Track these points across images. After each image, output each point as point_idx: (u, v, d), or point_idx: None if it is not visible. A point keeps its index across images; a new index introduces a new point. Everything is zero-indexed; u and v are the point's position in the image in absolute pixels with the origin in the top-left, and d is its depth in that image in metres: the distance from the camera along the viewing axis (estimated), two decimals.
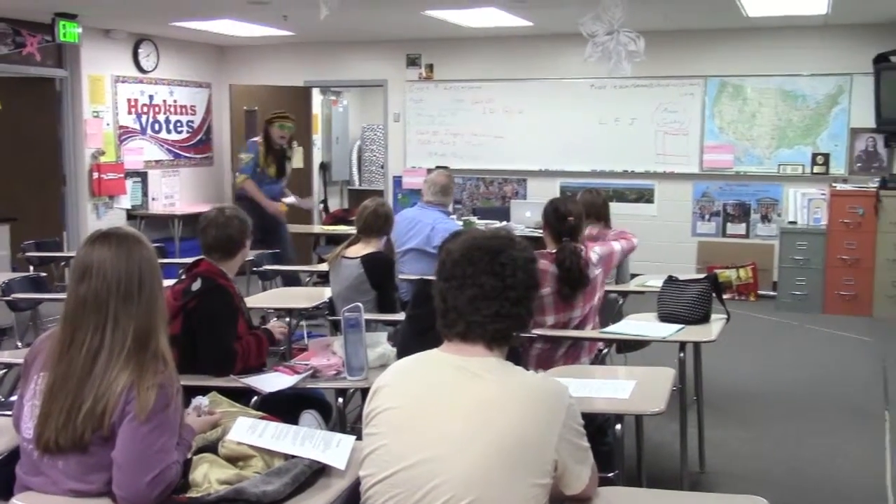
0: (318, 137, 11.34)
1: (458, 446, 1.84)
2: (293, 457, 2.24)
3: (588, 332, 4.01)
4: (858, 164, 8.41)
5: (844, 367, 6.23)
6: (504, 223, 7.67)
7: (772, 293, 8.41)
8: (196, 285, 3.40)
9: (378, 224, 4.70)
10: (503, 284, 1.96)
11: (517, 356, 3.06)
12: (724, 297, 4.38)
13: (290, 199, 8.03)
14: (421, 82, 9.83)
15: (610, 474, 2.99)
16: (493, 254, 1.98)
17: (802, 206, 8.41)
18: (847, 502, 3.97)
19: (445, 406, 1.90)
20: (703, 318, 4.05)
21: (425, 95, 9.81)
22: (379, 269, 4.60)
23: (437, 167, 9.03)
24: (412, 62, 9.84)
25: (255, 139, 7.80)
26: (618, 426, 3.00)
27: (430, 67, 9.78)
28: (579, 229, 4.07)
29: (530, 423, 1.86)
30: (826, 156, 8.47)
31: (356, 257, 4.62)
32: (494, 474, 1.81)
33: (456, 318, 1.97)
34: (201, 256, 3.56)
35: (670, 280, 4.24)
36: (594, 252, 4.10)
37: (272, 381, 3.20)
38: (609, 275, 4.53)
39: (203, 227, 3.56)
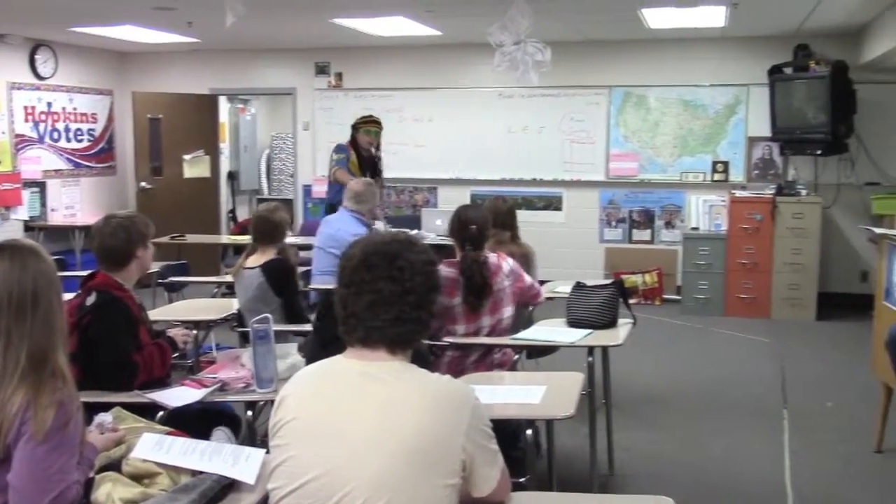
0: (225, 146, 11.15)
1: (366, 451, 1.83)
2: (201, 473, 2.19)
3: (499, 339, 4.04)
4: (756, 172, 8.74)
5: (745, 368, 6.45)
6: (415, 231, 7.67)
7: (676, 297, 8.65)
8: (90, 299, 3.29)
9: (268, 230, 4.66)
10: (402, 289, 1.95)
11: (425, 361, 3.07)
12: (631, 301, 4.46)
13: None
14: (330, 90, 9.77)
15: (521, 479, 3.02)
16: (390, 258, 1.96)
17: (704, 212, 8.68)
18: (749, 499, 4.10)
19: (350, 412, 1.89)
20: (611, 323, 4.13)
21: (335, 104, 9.75)
22: (279, 276, 4.57)
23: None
24: (321, 70, 9.78)
25: (346, 143, 7.37)
26: (528, 431, 3.03)
27: (340, 76, 9.73)
28: (483, 237, 4.07)
29: (435, 424, 1.86)
30: (725, 163, 8.77)
31: (256, 266, 4.57)
32: (403, 477, 1.82)
33: (356, 324, 1.96)
34: (97, 269, 3.46)
35: (578, 286, 4.31)
36: (507, 262, 4.12)
37: (179, 396, 3.12)
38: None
39: (91, 237, 3.47)
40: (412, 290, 1.96)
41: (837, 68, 7.82)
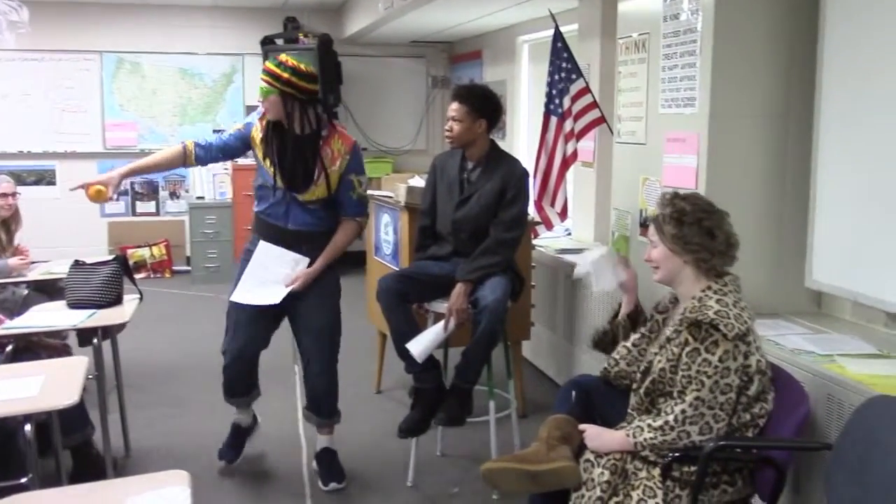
0: None
1: None
2: None
3: None
4: None
5: None
6: None
7: (187, 268, 8.57)
8: None
9: None
10: None
11: None
12: (140, 276, 4.36)
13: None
14: None
15: (23, 479, 2.77)
16: None
17: (208, 181, 8.70)
18: (270, 454, 4.26)
19: None
20: (116, 301, 3.99)
21: None
22: None
23: None
24: None
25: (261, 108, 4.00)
26: (27, 427, 2.77)
27: None
28: None
29: None
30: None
31: None
32: None
33: None
34: None
35: (77, 264, 4.08)
36: None
37: None
38: None
39: None
40: None
41: (323, 41, 8.31)
